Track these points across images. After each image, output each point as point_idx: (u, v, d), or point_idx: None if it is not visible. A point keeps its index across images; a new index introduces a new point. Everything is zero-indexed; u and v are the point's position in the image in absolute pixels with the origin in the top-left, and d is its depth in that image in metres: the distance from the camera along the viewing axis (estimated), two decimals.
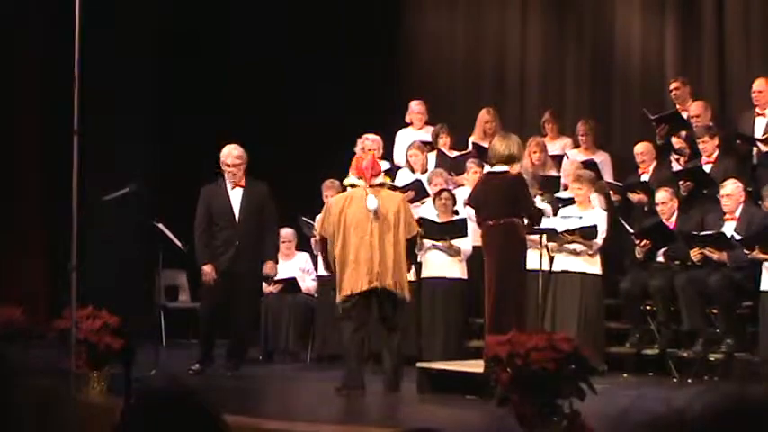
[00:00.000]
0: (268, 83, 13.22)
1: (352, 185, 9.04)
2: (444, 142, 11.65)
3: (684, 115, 10.80)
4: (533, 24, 13.13)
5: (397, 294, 8.73)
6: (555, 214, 10.25)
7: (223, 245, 9.74)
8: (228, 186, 9.79)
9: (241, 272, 9.69)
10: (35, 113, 12.52)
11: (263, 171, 10.37)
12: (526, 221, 9.03)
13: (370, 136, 11.30)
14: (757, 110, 10.39)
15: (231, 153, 9.77)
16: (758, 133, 10.30)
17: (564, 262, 10.08)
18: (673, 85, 11.13)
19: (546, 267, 9.93)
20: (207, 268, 9.75)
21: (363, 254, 8.67)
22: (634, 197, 10.57)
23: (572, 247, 10.01)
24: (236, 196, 9.78)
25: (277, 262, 10.16)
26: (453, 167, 11.38)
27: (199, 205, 9.85)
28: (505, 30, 13.33)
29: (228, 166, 9.76)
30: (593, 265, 10.06)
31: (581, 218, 9.97)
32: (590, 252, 9.99)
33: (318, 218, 9.82)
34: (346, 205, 8.82)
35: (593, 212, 10.14)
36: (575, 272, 10.01)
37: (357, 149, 11.39)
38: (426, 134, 11.91)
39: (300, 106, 13.11)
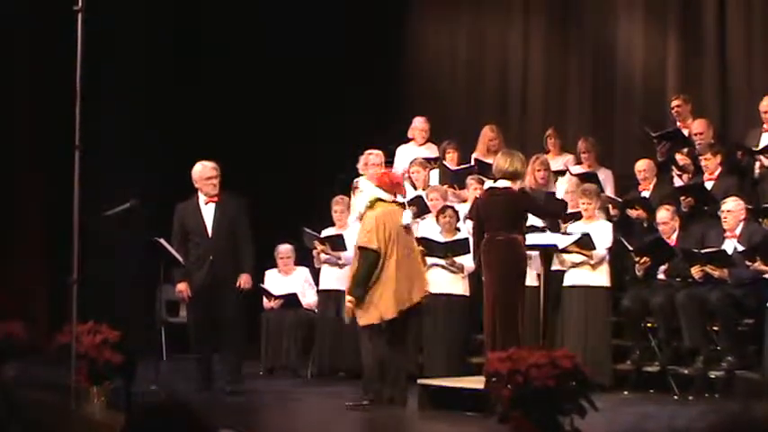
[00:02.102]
0: (269, 97, 13.24)
1: (380, 200, 8.99)
2: (452, 157, 11.67)
3: (685, 132, 10.81)
4: (535, 41, 13.16)
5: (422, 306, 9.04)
6: (558, 230, 10.26)
7: (197, 260, 9.73)
8: (201, 202, 9.80)
9: (219, 286, 9.65)
10: (34, 125, 12.51)
11: (263, 186, 10.38)
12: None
13: (374, 151, 11.33)
14: (765, 126, 10.39)
15: (208, 166, 9.78)
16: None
17: (570, 276, 10.08)
18: (674, 103, 11.15)
19: (537, 283, 9.92)
20: (181, 286, 9.76)
21: (412, 268, 8.86)
22: (633, 213, 10.56)
23: (571, 258, 10.00)
24: (208, 211, 9.78)
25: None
26: (455, 181, 11.39)
27: (174, 222, 9.87)
28: (507, 46, 13.36)
29: (209, 179, 9.75)
30: (600, 278, 10.06)
31: (587, 234, 9.94)
32: (591, 262, 9.98)
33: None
34: (389, 220, 8.87)
35: (598, 224, 10.14)
36: (580, 285, 10.02)
37: (360, 165, 11.41)
38: (427, 150, 11.93)
39: (301, 121, 13.14)
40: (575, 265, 10.06)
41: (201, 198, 9.81)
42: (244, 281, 9.75)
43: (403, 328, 8.90)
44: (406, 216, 8.90)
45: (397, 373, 8.85)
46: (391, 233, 8.80)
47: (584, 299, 10.01)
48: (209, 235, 9.73)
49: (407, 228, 8.93)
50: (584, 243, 9.88)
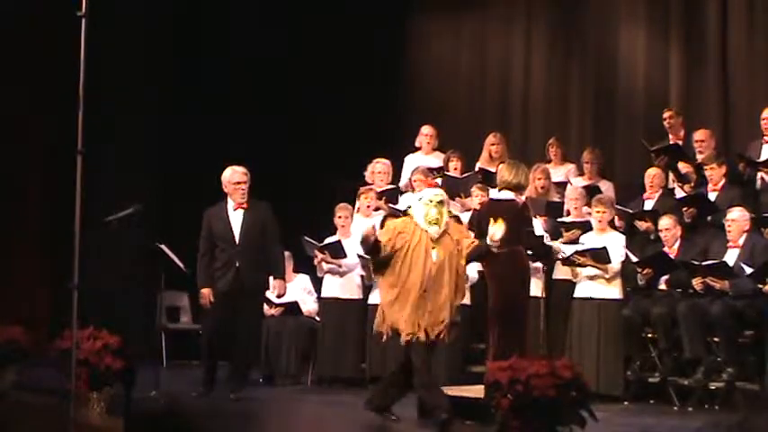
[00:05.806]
0: (272, 110, 13.26)
1: None
2: (455, 167, 11.63)
3: (680, 144, 10.83)
4: (537, 53, 13.17)
5: None
6: (556, 239, 10.25)
7: (223, 267, 9.70)
8: (230, 208, 9.77)
9: (242, 293, 9.63)
10: (40, 133, 12.53)
11: (260, 190, 10.39)
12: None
13: (381, 160, 11.32)
14: (765, 137, 10.39)
15: (238, 171, 9.76)
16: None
17: (583, 288, 10.07)
18: (666, 115, 11.19)
19: (542, 294, 9.91)
20: (204, 291, 9.73)
21: None
22: (642, 225, 10.52)
23: (585, 272, 9.98)
24: (236, 217, 9.75)
25: (285, 280, 10.11)
26: (459, 190, 11.35)
27: (202, 227, 9.85)
28: (509, 59, 13.38)
29: (238, 183, 9.73)
30: (613, 291, 10.03)
31: (604, 248, 9.91)
32: (606, 276, 9.96)
33: None
34: None
35: (611, 236, 10.11)
36: (594, 298, 10.00)
37: (367, 174, 11.42)
38: (435, 159, 11.90)
39: (303, 133, 13.16)
40: (589, 278, 10.03)
41: (230, 204, 9.79)
42: (278, 288, 9.84)
43: None
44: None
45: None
46: None
47: (598, 312, 9.97)
48: (237, 242, 9.70)
49: None
50: (600, 257, 9.84)
